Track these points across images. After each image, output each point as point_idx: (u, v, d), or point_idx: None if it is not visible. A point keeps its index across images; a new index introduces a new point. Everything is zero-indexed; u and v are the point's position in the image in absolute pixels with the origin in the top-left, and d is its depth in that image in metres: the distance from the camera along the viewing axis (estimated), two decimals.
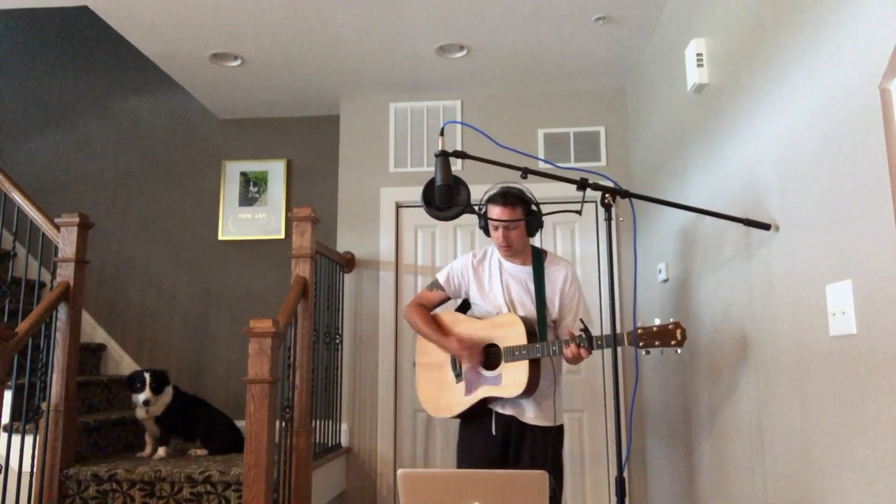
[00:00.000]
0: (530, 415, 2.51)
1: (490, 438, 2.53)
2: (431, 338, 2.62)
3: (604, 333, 2.33)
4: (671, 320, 2.15)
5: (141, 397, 3.20)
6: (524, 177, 2.00)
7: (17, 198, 3.30)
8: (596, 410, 3.80)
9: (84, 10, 3.26)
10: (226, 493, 2.89)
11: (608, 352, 3.60)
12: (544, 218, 2.56)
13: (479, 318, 2.61)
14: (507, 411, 2.53)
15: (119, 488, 2.95)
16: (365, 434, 3.85)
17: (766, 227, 1.99)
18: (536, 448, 2.50)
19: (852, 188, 1.54)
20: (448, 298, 2.73)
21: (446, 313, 2.69)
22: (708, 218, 2.50)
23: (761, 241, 2.05)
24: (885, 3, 1.40)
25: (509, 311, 2.54)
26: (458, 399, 2.54)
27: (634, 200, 2.10)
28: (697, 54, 2.58)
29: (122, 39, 3.61)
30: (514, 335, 2.44)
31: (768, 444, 2.04)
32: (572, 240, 3.95)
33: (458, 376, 2.57)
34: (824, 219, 1.67)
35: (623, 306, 3.81)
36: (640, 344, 2.18)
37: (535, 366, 2.41)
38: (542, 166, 3.83)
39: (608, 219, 2.00)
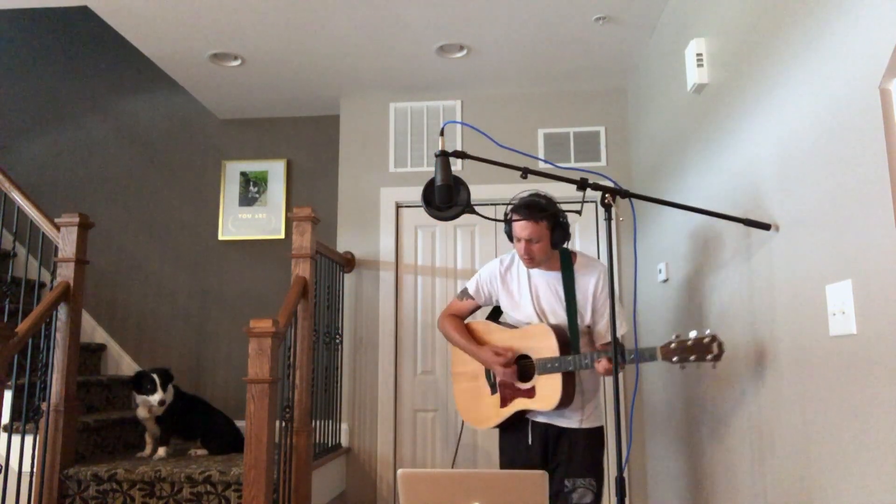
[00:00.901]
0: (564, 420, 2.46)
1: (527, 447, 2.49)
2: (466, 348, 2.56)
3: (637, 346, 2.20)
4: (707, 332, 2.07)
5: (156, 398, 3.19)
6: (524, 177, 2.00)
7: (17, 198, 3.30)
8: None
9: (84, 10, 3.26)
10: (226, 493, 2.89)
11: None
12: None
13: (512, 326, 2.55)
14: (542, 419, 2.48)
15: (119, 488, 2.95)
16: (365, 434, 3.85)
17: (766, 227, 1.99)
18: (573, 450, 2.43)
19: (852, 188, 1.54)
20: (479, 307, 2.68)
21: (479, 322, 2.64)
22: (708, 218, 2.50)
23: (761, 241, 2.05)
24: (885, 3, 1.40)
25: (540, 320, 2.47)
26: (494, 411, 2.51)
27: (634, 200, 2.09)
28: (697, 54, 2.58)
29: (122, 39, 3.61)
30: (546, 347, 2.38)
31: (768, 444, 2.04)
32: (572, 240, 3.94)
33: (493, 387, 2.52)
34: (824, 219, 1.67)
35: (623, 306, 3.81)
36: (675, 359, 2.11)
37: (568, 378, 2.35)
38: (542, 166, 3.83)
39: (608, 219, 1.99)
